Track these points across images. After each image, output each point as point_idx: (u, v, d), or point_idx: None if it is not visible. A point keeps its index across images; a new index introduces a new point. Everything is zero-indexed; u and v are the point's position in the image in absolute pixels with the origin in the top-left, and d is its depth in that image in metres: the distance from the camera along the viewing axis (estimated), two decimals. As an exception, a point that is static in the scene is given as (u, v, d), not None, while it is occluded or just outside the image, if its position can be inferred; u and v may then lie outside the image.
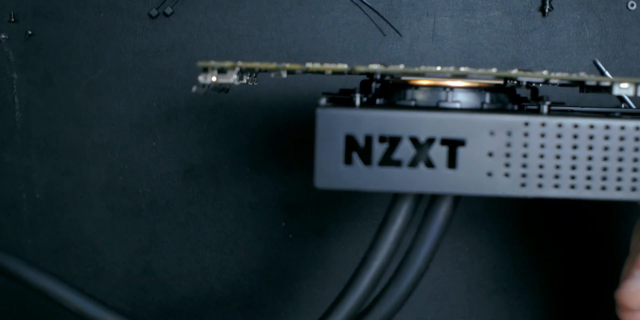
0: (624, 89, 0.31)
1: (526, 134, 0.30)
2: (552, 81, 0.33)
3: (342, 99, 0.35)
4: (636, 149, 0.30)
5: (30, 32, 0.48)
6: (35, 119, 0.48)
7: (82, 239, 0.49)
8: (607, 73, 0.49)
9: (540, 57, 0.48)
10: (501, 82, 0.34)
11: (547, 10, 0.48)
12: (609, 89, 0.31)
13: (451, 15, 0.48)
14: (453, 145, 0.30)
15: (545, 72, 0.32)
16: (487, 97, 0.33)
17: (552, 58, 0.48)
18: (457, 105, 0.33)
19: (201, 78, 0.31)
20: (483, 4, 0.48)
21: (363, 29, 0.48)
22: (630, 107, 0.40)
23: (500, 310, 0.49)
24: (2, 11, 0.48)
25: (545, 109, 0.31)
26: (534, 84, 0.38)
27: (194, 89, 0.32)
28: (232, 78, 0.31)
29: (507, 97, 0.34)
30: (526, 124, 0.30)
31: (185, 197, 0.49)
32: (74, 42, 0.48)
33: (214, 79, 0.31)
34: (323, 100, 0.31)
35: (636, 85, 0.31)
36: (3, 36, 0.48)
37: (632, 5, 0.49)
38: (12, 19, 0.48)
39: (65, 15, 0.48)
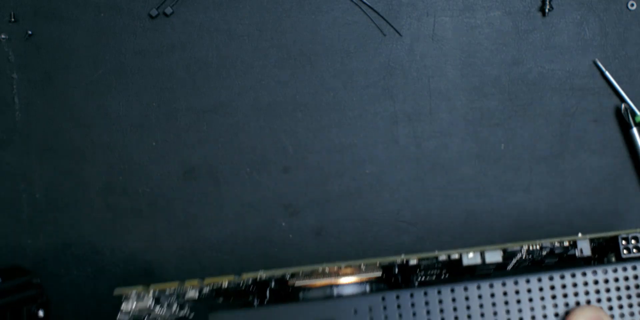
0: (471, 259, 0.34)
1: (385, 308, 0.34)
2: (411, 262, 0.36)
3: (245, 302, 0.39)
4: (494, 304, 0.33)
5: (30, 32, 0.48)
6: (35, 119, 0.48)
7: (82, 239, 0.49)
8: (607, 73, 0.49)
9: (540, 57, 0.49)
10: (380, 274, 0.37)
11: (547, 10, 0.48)
12: (459, 262, 0.34)
13: (451, 15, 0.48)
14: None
15: (403, 256, 0.35)
16: (367, 288, 0.37)
17: (552, 58, 0.48)
18: None
19: (124, 306, 0.32)
20: (483, 4, 0.48)
21: (363, 29, 0.48)
22: None
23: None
24: (2, 11, 0.48)
25: (415, 283, 0.35)
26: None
27: (119, 318, 0.33)
28: (149, 303, 0.33)
29: (385, 285, 0.38)
30: (383, 298, 0.34)
31: (185, 197, 0.49)
32: (74, 42, 0.48)
33: (134, 304, 0.32)
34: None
35: (482, 253, 0.34)
36: (3, 36, 0.48)
37: (632, 5, 0.49)
38: (12, 19, 0.48)
39: (65, 15, 0.48)
